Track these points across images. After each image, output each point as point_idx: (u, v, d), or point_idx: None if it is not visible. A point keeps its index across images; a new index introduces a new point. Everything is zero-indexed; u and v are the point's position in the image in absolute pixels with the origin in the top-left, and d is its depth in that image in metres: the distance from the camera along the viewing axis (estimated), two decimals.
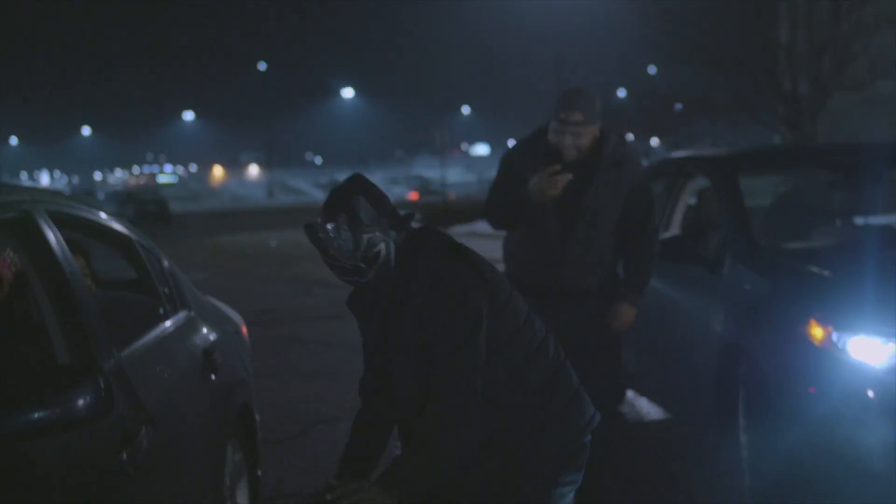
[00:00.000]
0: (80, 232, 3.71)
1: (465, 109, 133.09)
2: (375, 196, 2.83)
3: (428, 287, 2.79)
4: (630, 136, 38.20)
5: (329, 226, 2.76)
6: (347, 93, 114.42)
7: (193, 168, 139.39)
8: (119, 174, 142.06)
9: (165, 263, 4.19)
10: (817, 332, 4.50)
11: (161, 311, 3.91)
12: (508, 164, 4.88)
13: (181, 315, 4.07)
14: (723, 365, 5.13)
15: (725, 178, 5.78)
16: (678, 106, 34.32)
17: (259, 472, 4.69)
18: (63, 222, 3.19)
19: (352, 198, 2.80)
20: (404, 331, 2.84)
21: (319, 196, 70.09)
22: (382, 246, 2.81)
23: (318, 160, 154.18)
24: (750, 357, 4.88)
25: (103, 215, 3.74)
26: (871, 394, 4.32)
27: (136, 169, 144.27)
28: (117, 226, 3.87)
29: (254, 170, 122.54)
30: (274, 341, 10.67)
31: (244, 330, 4.95)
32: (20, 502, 2.32)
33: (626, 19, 33.24)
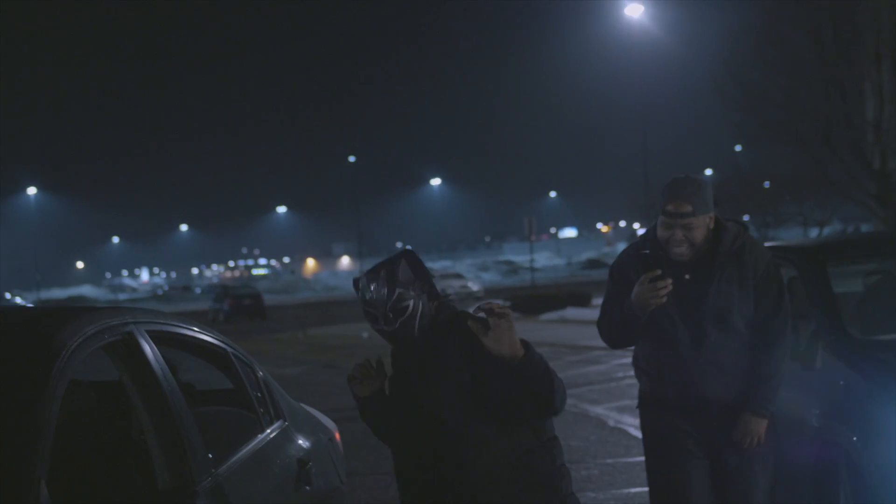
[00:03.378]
0: (177, 347, 3.82)
1: (553, 194, 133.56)
2: (415, 263, 3.39)
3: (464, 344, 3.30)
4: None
5: (371, 281, 3.32)
6: (435, 181, 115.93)
7: (287, 260, 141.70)
8: (215, 268, 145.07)
9: (260, 374, 4.29)
10: None
11: (257, 422, 4.00)
12: (615, 274, 4.47)
13: (276, 425, 4.15)
14: (821, 461, 5.03)
15: (813, 269, 5.64)
16: (766, 184, 33.90)
17: None
18: (161, 339, 3.31)
19: (395, 261, 3.36)
20: (449, 372, 3.34)
21: None
22: (411, 303, 3.33)
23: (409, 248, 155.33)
24: (849, 455, 4.79)
25: (197, 329, 3.86)
26: None
27: (231, 263, 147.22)
28: (211, 339, 3.98)
29: (345, 260, 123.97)
30: (368, 437, 10.67)
31: (337, 436, 4.99)
32: None
33: (710, 100, 33.26)
